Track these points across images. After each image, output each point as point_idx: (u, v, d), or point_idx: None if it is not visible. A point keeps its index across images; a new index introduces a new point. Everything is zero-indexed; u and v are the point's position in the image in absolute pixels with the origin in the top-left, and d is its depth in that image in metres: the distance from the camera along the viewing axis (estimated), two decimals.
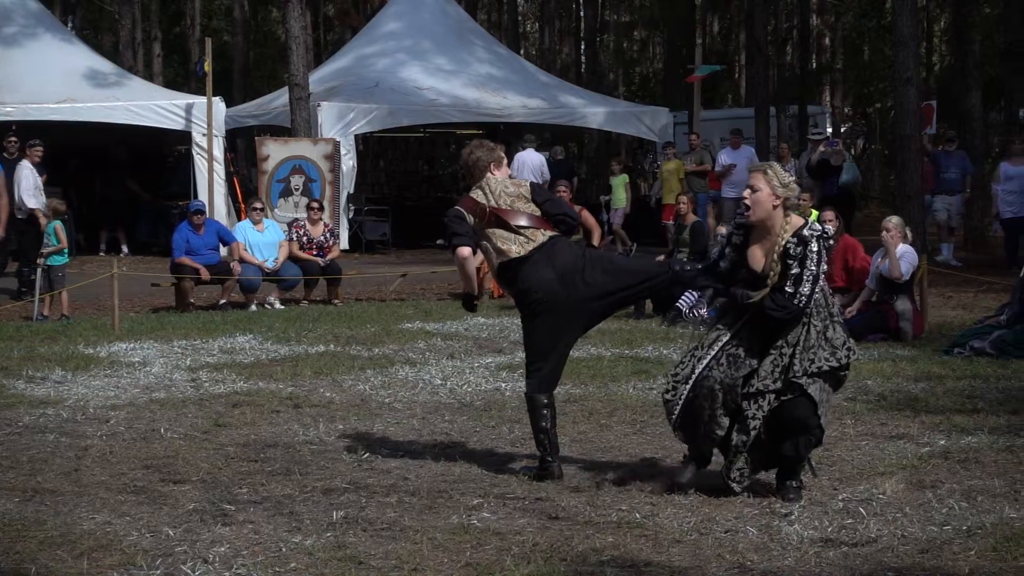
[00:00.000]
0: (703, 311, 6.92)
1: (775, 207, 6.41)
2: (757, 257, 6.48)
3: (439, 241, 21.65)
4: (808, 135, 26.82)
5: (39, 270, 14.76)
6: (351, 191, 23.00)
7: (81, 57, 23.10)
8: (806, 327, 6.36)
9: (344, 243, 21.39)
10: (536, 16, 54.09)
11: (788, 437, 6.40)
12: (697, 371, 6.46)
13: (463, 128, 27.41)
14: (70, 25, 38.07)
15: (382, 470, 7.23)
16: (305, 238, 16.44)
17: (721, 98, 46.50)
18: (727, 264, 6.58)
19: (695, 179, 22.47)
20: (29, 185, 16.64)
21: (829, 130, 34.70)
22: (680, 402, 6.49)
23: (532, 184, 7.31)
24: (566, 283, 6.92)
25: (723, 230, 14.40)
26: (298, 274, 16.12)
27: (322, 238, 16.55)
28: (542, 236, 7.04)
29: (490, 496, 6.55)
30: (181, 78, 42.15)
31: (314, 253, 16.36)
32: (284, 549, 5.62)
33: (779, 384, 6.35)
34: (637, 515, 6.13)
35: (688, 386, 6.47)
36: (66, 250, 15.14)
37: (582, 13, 47.10)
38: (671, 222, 21.78)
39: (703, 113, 27.41)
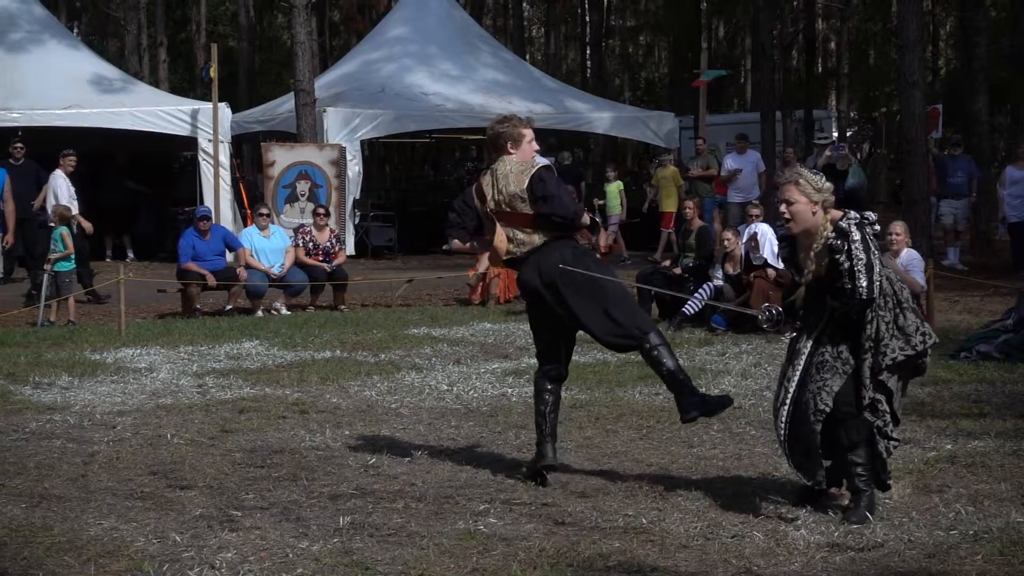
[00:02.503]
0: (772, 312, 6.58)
1: (814, 214, 6.18)
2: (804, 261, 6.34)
3: (444, 247, 21.64)
4: (814, 139, 26.82)
5: (46, 276, 14.79)
6: (357, 196, 23.01)
7: (87, 63, 23.09)
8: (875, 321, 6.10)
9: (350, 249, 21.40)
10: (542, 21, 54.20)
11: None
12: (791, 391, 6.21)
13: (469, 133, 27.42)
14: (76, 31, 38.19)
15: (388, 476, 7.23)
16: (311, 244, 16.45)
17: (727, 103, 46.55)
18: (808, 276, 6.32)
19: (701, 184, 22.45)
20: (63, 194, 16.78)
21: (835, 134, 34.72)
22: (785, 427, 6.21)
23: (535, 176, 6.94)
24: (550, 292, 6.94)
25: (729, 234, 14.41)
26: (304, 280, 16.13)
27: (328, 244, 16.56)
28: (539, 239, 7.00)
29: (496, 502, 6.56)
30: (187, 84, 42.20)
31: (320, 259, 16.36)
32: (291, 555, 5.63)
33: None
34: (643, 520, 6.13)
35: (787, 408, 6.20)
36: (73, 256, 15.17)
37: (588, 18, 47.12)
38: (670, 229, 21.82)
39: (709, 118, 27.42)
